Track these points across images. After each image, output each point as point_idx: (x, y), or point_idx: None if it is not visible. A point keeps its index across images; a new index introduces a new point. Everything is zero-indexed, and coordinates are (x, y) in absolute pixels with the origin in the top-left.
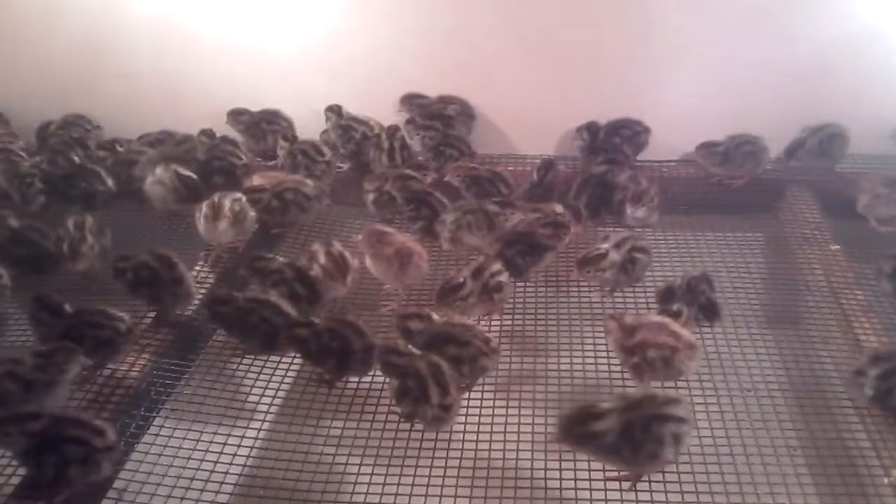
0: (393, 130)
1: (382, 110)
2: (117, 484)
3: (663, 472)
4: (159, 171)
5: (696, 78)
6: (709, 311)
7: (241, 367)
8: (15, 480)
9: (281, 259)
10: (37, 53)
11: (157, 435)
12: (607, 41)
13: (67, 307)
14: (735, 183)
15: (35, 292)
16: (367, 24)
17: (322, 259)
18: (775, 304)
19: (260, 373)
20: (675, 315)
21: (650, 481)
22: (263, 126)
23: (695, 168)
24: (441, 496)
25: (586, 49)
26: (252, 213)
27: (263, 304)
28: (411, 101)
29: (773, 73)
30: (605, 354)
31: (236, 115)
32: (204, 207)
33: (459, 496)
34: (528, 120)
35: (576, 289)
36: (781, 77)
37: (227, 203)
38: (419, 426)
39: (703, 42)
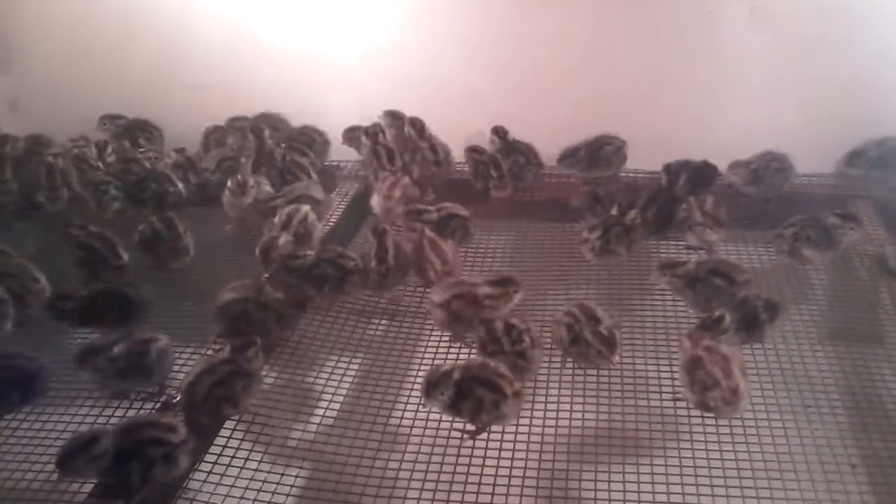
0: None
1: (448, 122)
2: (191, 485)
3: (726, 488)
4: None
5: (761, 97)
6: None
7: (312, 369)
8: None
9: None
10: (112, 65)
11: (228, 437)
12: (673, 58)
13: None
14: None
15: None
16: (435, 36)
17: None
18: (837, 321)
19: (329, 376)
20: (717, 321)
21: (713, 496)
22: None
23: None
24: None
25: (650, 66)
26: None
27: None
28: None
29: (838, 91)
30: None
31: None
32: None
33: None
34: (586, 134)
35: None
36: (846, 95)
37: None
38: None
39: (771, 61)
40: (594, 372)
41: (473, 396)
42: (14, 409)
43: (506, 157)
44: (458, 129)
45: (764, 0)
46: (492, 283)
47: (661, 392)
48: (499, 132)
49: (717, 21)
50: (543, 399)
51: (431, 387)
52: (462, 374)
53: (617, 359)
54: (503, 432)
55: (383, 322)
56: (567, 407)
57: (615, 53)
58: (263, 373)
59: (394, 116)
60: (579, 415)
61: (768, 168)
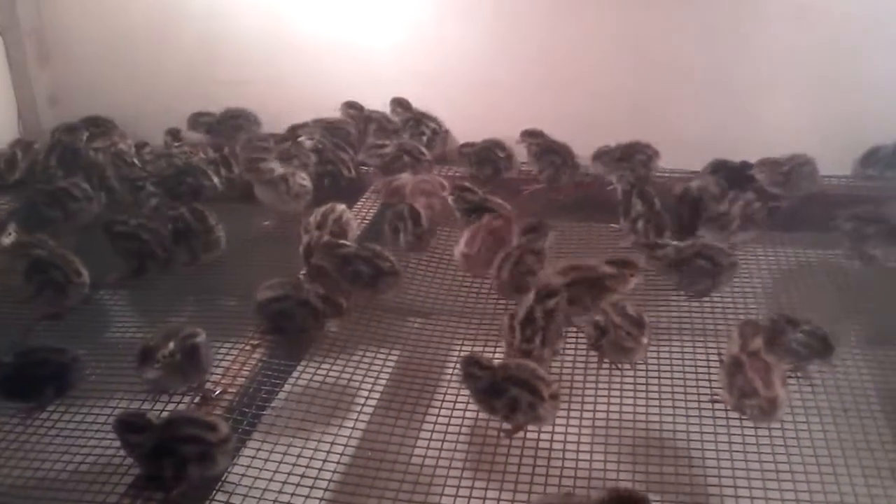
0: None
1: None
2: (231, 478)
3: (765, 490)
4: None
5: (802, 97)
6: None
7: (348, 365)
8: (134, 471)
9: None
10: (150, 60)
11: (266, 433)
12: (713, 57)
13: (152, 419)
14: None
15: (118, 418)
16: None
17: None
18: (875, 324)
19: (366, 371)
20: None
21: (752, 498)
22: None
23: None
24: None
25: (689, 65)
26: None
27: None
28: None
29: (882, 93)
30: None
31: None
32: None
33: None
34: (628, 135)
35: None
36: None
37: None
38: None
39: (813, 61)
40: (630, 372)
41: (508, 395)
42: (48, 403)
43: (541, 157)
44: (488, 124)
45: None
46: (611, 262)
47: (698, 392)
48: (533, 134)
49: (760, 21)
50: (580, 396)
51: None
52: (500, 372)
53: (646, 340)
54: (539, 430)
55: (419, 319)
56: (604, 405)
57: (653, 52)
58: (300, 369)
59: (399, 104)
60: (616, 413)
61: (801, 171)
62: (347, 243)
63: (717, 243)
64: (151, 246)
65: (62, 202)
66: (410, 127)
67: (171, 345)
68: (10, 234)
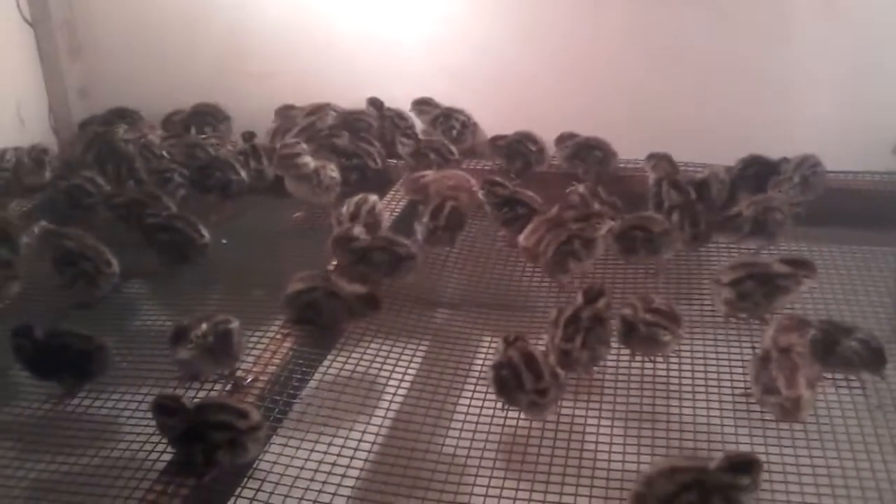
0: None
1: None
2: (262, 466)
3: (801, 485)
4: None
5: (834, 91)
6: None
7: (379, 355)
8: (166, 457)
9: None
10: (180, 52)
11: (298, 421)
12: (745, 52)
13: (185, 403)
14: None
15: (154, 399)
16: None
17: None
18: None
19: (396, 361)
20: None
21: (787, 492)
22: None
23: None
24: (561, 494)
25: (722, 59)
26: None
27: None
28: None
29: None
30: None
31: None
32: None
33: (580, 494)
34: (655, 128)
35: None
36: None
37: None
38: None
39: (839, 53)
40: (663, 363)
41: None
42: (71, 387)
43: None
44: (514, 116)
45: None
46: (785, 261)
47: (732, 385)
48: (566, 138)
49: (792, 14)
50: (612, 390)
51: None
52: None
53: (682, 332)
54: (572, 423)
55: (446, 311)
56: (624, 396)
57: (678, 44)
58: (331, 358)
59: (424, 104)
60: (650, 405)
61: (815, 174)
62: (361, 236)
63: None
64: (189, 234)
65: (77, 198)
66: (440, 123)
67: (204, 326)
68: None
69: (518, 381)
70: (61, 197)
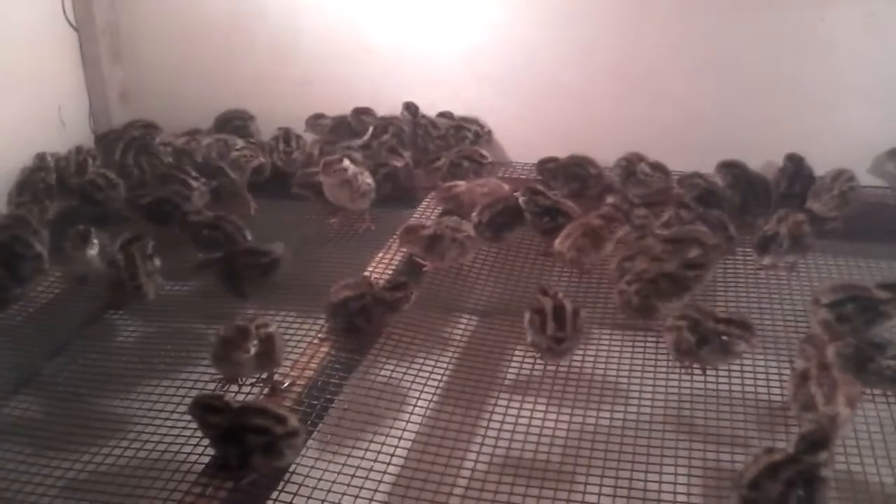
0: None
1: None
2: (299, 470)
3: (838, 490)
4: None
5: (873, 103)
6: None
7: (414, 363)
8: (204, 459)
9: None
10: (222, 59)
11: (335, 426)
12: (785, 64)
13: (230, 402)
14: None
15: (198, 397)
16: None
17: None
18: None
19: (431, 370)
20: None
21: None
22: None
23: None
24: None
25: (761, 72)
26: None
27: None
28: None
29: None
30: None
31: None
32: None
33: None
34: (692, 141)
35: None
36: None
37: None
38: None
39: (884, 68)
40: (710, 372)
41: None
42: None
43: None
44: (555, 130)
45: (878, 5)
46: (883, 286)
47: (769, 395)
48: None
49: (830, 27)
50: (650, 401)
51: None
52: None
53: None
54: (595, 431)
55: (474, 319)
56: (661, 407)
57: (721, 57)
58: (366, 364)
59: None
60: (687, 414)
61: (853, 189)
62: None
63: None
64: (231, 231)
65: (88, 194)
66: (451, 135)
67: (257, 331)
68: (94, 243)
69: (543, 326)
70: (75, 196)
